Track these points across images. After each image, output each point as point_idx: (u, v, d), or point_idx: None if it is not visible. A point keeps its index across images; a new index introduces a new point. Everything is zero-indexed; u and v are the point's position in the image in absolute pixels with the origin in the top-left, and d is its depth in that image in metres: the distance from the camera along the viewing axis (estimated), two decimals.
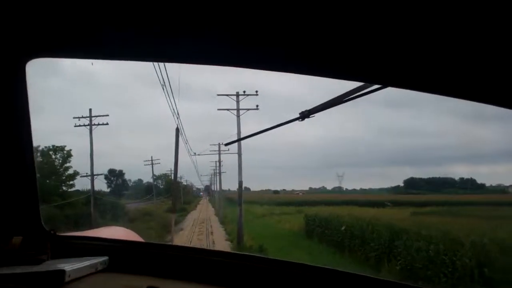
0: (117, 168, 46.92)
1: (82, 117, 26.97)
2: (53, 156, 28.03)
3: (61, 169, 28.22)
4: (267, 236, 22.60)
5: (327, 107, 1.63)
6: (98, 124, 26.72)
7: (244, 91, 25.16)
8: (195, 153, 40.98)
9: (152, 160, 36.45)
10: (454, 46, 0.72)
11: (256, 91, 25.60)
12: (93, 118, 27.23)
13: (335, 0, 0.67)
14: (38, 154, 25.41)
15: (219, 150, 36.05)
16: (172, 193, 23.57)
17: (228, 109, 25.45)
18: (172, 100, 36.40)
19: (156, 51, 1.01)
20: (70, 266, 1.45)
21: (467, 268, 13.53)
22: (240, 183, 25.53)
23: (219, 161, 39.92)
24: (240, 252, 2.00)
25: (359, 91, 1.41)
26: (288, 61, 0.93)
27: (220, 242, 22.63)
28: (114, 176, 47.35)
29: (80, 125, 26.81)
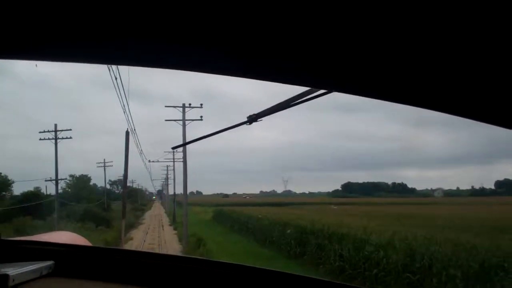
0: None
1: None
2: (84, 179, 53.72)
3: (87, 186, 54.44)
4: (191, 221, 37.51)
5: (274, 111, 1.67)
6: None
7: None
8: (152, 177, 63.58)
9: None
10: (397, 52, 0.74)
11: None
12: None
13: (278, 4, 0.68)
14: (75, 178, 51.42)
15: (167, 170, 57.01)
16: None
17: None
18: (125, 103, 38.74)
19: (106, 53, 0.90)
20: (14, 270, 1.40)
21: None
22: (174, 194, 52.80)
23: (167, 178, 60.16)
24: (190, 256, 2.03)
25: (306, 96, 1.46)
26: (231, 64, 0.87)
27: (166, 223, 45.80)
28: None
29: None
